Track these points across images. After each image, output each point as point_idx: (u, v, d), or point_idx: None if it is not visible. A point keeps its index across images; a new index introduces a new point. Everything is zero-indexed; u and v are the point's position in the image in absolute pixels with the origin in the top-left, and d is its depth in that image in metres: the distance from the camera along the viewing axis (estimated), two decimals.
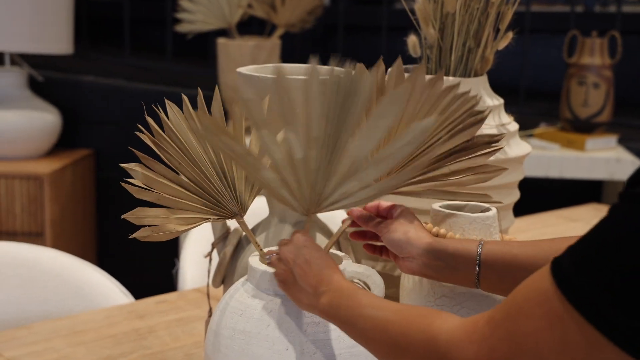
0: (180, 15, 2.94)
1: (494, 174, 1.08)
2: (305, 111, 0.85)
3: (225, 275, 1.21)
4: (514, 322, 0.71)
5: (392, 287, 1.24)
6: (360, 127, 0.87)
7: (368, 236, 1.11)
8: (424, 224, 1.08)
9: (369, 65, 0.99)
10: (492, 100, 1.31)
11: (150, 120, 1.07)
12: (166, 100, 1.07)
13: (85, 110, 3.30)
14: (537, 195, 2.99)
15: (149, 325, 1.45)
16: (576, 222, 2.18)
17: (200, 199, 1.06)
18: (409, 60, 1.18)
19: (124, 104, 3.27)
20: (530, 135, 2.95)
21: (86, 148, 3.30)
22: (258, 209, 1.37)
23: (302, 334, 0.96)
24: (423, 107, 1.02)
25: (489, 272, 0.98)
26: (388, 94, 0.84)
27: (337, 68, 0.86)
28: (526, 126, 2.95)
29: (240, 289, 1.03)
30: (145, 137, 1.07)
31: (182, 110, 1.07)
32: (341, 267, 0.99)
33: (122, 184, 1.04)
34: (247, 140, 1.08)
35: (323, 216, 1.23)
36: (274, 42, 2.89)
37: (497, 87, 1.40)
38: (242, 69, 1.18)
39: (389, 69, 1.07)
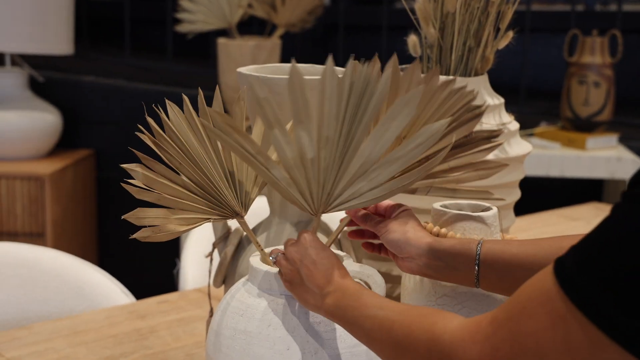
0: (180, 15, 2.94)
1: (494, 170, 1.07)
2: (320, 111, 0.85)
3: (226, 275, 1.21)
4: (517, 321, 0.71)
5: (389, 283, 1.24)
6: (372, 128, 0.87)
7: (366, 234, 1.11)
8: (424, 224, 1.08)
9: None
10: (492, 100, 1.31)
11: (150, 120, 1.07)
12: (167, 101, 1.07)
13: (85, 111, 3.30)
14: (538, 195, 2.99)
15: (150, 326, 1.45)
16: (577, 221, 2.18)
17: (200, 199, 1.06)
18: (410, 60, 1.18)
19: (125, 104, 3.28)
20: (531, 135, 2.95)
21: (87, 148, 3.30)
22: (259, 209, 1.37)
23: (303, 334, 0.96)
24: (420, 104, 1.01)
25: (488, 272, 0.98)
26: (401, 97, 0.85)
27: (352, 68, 0.86)
28: (527, 125, 2.95)
29: (242, 289, 1.03)
30: (145, 138, 1.07)
31: (182, 110, 1.07)
32: None
33: (123, 184, 1.04)
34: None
35: (323, 215, 1.23)
36: (274, 42, 2.89)
37: (497, 86, 1.40)
38: (243, 69, 1.18)
39: (385, 67, 1.07)
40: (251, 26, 3.37)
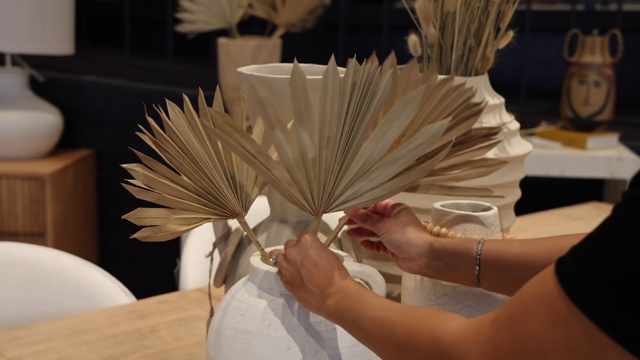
0: (180, 15, 2.94)
1: (494, 167, 1.07)
2: (321, 111, 0.85)
3: (226, 275, 1.21)
4: (519, 322, 0.71)
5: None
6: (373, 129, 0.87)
7: (365, 232, 1.11)
8: (424, 224, 1.08)
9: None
10: (492, 99, 1.31)
11: (151, 120, 1.07)
12: (167, 100, 1.07)
13: (86, 111, 3.30)
14: (538, 194, 2.99)
15: (151, 325, 1.45)
16: (577, 220, 2.18)
17: (201, 199, 1.06)
18: (409, 59, 1.18)
19: (125, 104, 3.28)
20: (531, 134, 2.95)
21: (87, 148, 3.30)
22: (259, 208, 1.37)
23: (303, 334, 0.96)
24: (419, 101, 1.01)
25: (489, 271, 0.98)
26: (402, 97, 0.85)
27: (353, 68, 0.86)
28: (527, 125, 2.95)
29: (242, 289, 1.03)
30: (146, 137, 1.07)
31: (183, 110, 1.07)
32: None
33: (123, 184, 1.04)
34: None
35: (323, 215, 1.23)
36: (274, 42, 2.89)
37: (497, 86, 1.40)
38: (243, 69, 1.18)
39: (383, 64, 1.07)
40: (252, 26, 3.37)
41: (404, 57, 1.07)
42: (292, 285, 0.96)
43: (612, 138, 2.89)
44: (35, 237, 2.87)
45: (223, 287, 1.24)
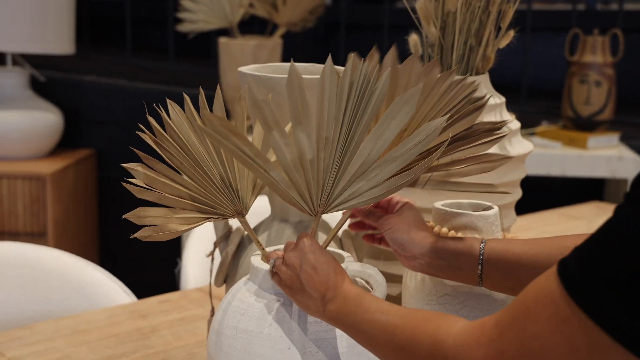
0: (181, 15, 2.94)
1: (497, 163, 1.06)
2: (319, 111, 0.85)
3: (227, 275, 1.21)
4: (521, 324, 0.71)
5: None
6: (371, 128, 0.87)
7: (367, 226, 1.11)
8: (425, 223, 1.08)
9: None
10: (493, 99, 1.31)
11: (151, 119, 1.07)
12: (168, 100, 1.07)
13: (86, 110, 3.30)
14: (539, 194, 2.99)
15: (152, 325, 1.45)
16: (578, 220, 2.18)
17: (202, 198, 1.06)
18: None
19: (126, 104, 3.28)
20: (532, 134, 2.94)
21: (88, 148, 3.30)
22: (260, 208, 1.37)
23: (304, 333, 0.96)
24: (420, 97, 1.00)
25: (491, 271, 0.98)
26: (399, 96, 0.85)
27: (351, 67, 0.85)
28: (528, 124, 2.95)
29: (243, 288, 1.03)
30: (146, 137, 1.07)
31: (183, 109, 1.07)
32: (343, 266, 0.99)
33: (124, 184, 1.04)
34: (249, 139, 1.08)
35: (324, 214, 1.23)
36: (275, 42, 2.89)
37: (498, 85, 1.40)
38: (244, 69, 1.18)
39: (384, 59, 1.07)
40: (252, 25, 3.37)
41: (404, 57, 1.07)
42: (292, 289, 0.95)
43: (613, 137, 2.89)
44: (36, 236, 2.87)
45: (224, 286, 1.24)
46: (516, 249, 0.97)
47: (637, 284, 0.63)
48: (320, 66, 1.21)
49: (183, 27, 2.95)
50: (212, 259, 1.22)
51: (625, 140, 2.97)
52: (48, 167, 2.92)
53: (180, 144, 1.06)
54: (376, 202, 0.97)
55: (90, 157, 3.26)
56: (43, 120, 2.99)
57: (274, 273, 0.98)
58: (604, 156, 2.77)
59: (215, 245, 1.22)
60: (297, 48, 3.53)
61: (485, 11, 1.26)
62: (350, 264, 1.00)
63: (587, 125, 2.88)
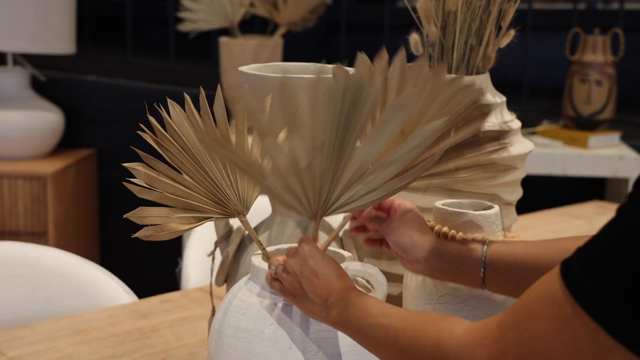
0: (182, 15, 2.94)
1: (502, 172, 1.06)
2: (311, 118, 0.85)
3: (228, 274, 1.21)
4: (524, 325, 0.71)
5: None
6: (366, 132, 0.86)
7: (369, 230, 1.11)
8: (426, 222, 1.08)
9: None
10: (494, 98, 1.30)
11: (152, 119, 1.07)
12: (168, 100, 1.07)
13: (87, 110, 3.30)
14: (540, 193, 2.99)
15: (152, 325, 1.45)
16: (579, 219, 2.18)
17: (202, 197, 1.06)
18: (411, 58, 1.17)
19: (126, 104, 3.28)
20: (533, 133, 2.94)
21: (89, 147, 3.30)
22: (260, 207, 1.37)
23: (305, 333, 0.96)
24: (427, 100, 1.00)
25: (494, 274, 0.98)
26: (394, 100, 0.84)
27: (342, 72, 0.85)
28: (529, 124, 2.95)
29: (243, 288, 1.03)
30: (147, 137, 1.07)
31: (184, 109, 1.07)
32: (343, 265, 0.98)
33: (125, 183, 1.04)
34: (250, 139, 1.08)
35: None
36: (276, 41, 2.89)
37: (499, 84, 1.40)
38: (244, 68, 1.18)
39: (392, 62, 1.06)
40: (253, 25, 3.37)
41: (405, 56, 1.07)
42: (295, 296, 0.95)
43: (614, 137, 2.89)
44: (36, 236, 2.87)
45: (225, 286, 1.24)
46: (518, 252, 0.97)
47: (639, 285, 0.63)
48: (320, 66, 1.21)
49: (184, 27, 2.95)
50: (213, 259, 1.22)
51: (626, 139, 2.97)
52: (49, 166, 2.92)
53: (180, 143, 1.06)
54: (375, 205, 0.97)
55: (91, 157, 3.26)
56: (44, 120, 2.99)
57: (274, 280, 0.98)
58: (604, 155, 2.77)
59: (216, 244, 1.22)
60: (297, 47, 3.53)
61: (485, 10, 1.26)
62: (351, 263, 1.00)
63: (588, 124, 2.88)
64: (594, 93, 2.86)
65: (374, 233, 1.10)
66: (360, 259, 1.21)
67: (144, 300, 1.57)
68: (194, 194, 1.05)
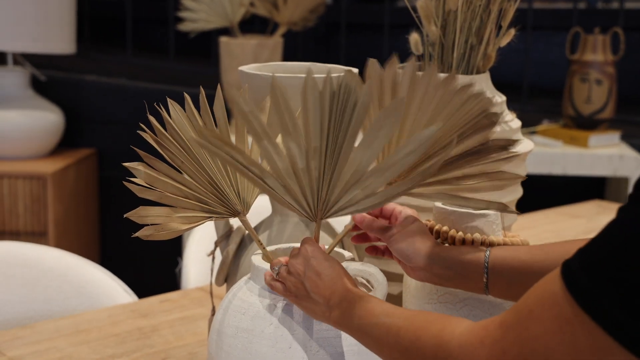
0: (182, 14, 2.94)
1: (509, 181, 1.05)
2: (304, 122, 0.85)
3: (228, 274, 1.22)
4: (525, 325, 0.71)
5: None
6: (360, 137, 0.86)
7: (370, 238, 1.11)
8: (426, 222, 1.08)
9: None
10: (494, 98, 1.30)
11: (152, 119, 1.07)
12: (168, 99, 1.07)
13: (87, 110, 3.30)
14: (540, 192, 2.99)
15: (153, 324, 1.45)
16: (579, 218, 2.18)
17: (202, 197, 1.06)
18: (403, 58, 1.17)
19: (127, 103, 3.28)
20: (533, 132, 2.94)
21: (89, 147, 3.30)
22: (261, 207, 1.37)
23: (305, 332, 0.96)
24: (437, 107, 0.99)
25: (497, 279, 0.98)
26: (386, 105, 0.84)
27: (333, 77, 0.85)
28: (529, 123, 2.95)
29: (243, 287, 1.03)
30: (147, 136, 1.07)
31: (184, 109, 1.07)
32: (343, 265, 0.98)
33: (125, 183, 1.04)
34: (250, 139, 1.08)
35: None
36: (276, 41, 2.89)
37: (499, 84, 1.40)
38: (244, 68, 1.18)
39: (401, 67, 1.06)
40: (253, 25, 3.37)
41: (405, 56, 1.07)
42: (298, 297, 0.95)
43: (614, 136, 2.89)
44: (36, 236, 2.87)
45: (225, 285, 1.24)
46: (521, 256, 0.97)
47: (639, 285, 0.63)
48: (321, 65, 1.21)
49: (184, 27, 2.95)
50: (213, 258, 1.22)
51: (626, 138, 2.97)
52: (49, 166, 2.93)
53: (181, 143, 1.06)
54: (375, 209, 0.97)
55: (91, 157, 3.26)
56: (44, 119, 2.99)
57: (273, 280, 0.98)
58: (604, 155, 2.77)
59: (216, 244, 1.22)
60: (297, 47, 3.53)
61: (486, 10, 1.26)
62: (351, 263, 1.00)
63: (588, 123, 2.88)
64: (594, 92, 2.86)
65: (377, 241, 1.10)
66: (361, 259, 1.21)
67: (144, 300, 1.57)
68: (194, 193, 1.05)
